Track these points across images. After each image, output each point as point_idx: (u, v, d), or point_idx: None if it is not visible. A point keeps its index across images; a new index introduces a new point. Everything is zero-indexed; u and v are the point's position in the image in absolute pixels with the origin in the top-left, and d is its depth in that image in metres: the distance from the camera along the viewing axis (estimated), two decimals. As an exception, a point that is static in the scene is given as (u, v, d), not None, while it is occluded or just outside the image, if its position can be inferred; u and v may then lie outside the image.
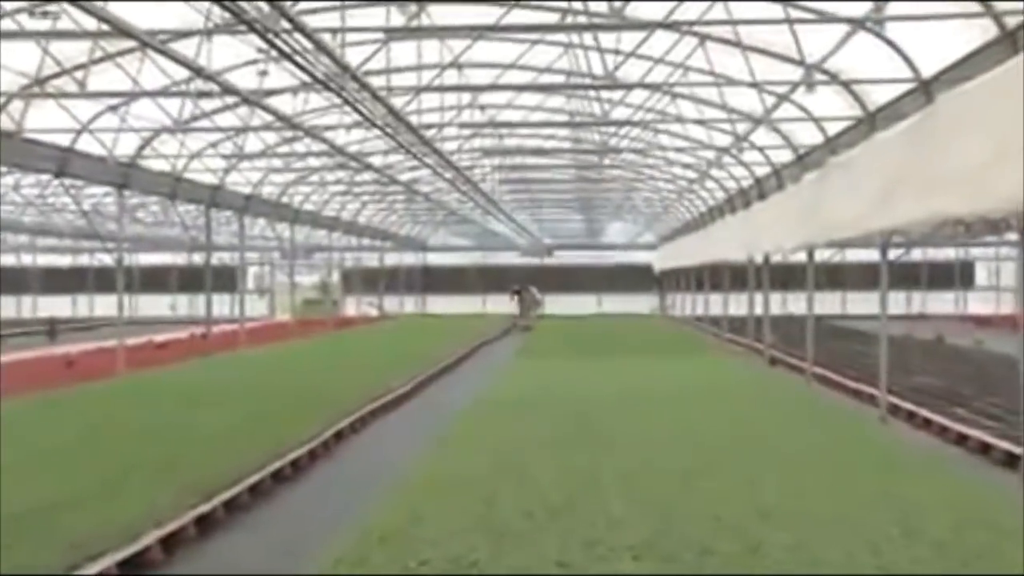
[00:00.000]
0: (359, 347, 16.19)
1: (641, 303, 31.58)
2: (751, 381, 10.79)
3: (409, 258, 33.94)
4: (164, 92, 11.29)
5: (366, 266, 29.80)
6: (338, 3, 9.11)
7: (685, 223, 24.40)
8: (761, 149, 14.21)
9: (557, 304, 29.63)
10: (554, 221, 32.06)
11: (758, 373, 12.10)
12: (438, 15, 9.41)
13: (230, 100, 11.62)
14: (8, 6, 8.26)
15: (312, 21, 7.56)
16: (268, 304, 32.65)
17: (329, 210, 23.70)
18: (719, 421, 7.53)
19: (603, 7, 8.78)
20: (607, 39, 10.36)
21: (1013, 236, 15.41)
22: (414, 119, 11.92)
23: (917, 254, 26.47)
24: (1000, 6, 7.25)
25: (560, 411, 8.15)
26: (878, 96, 10.15)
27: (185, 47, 8.78)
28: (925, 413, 8.47)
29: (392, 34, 9.57)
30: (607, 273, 33.42)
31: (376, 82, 9.79)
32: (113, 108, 11.86)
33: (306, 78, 7.83)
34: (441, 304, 32.31)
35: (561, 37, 11.13)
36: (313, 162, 18.03)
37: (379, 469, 6.58)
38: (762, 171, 15.46)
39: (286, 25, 6.62)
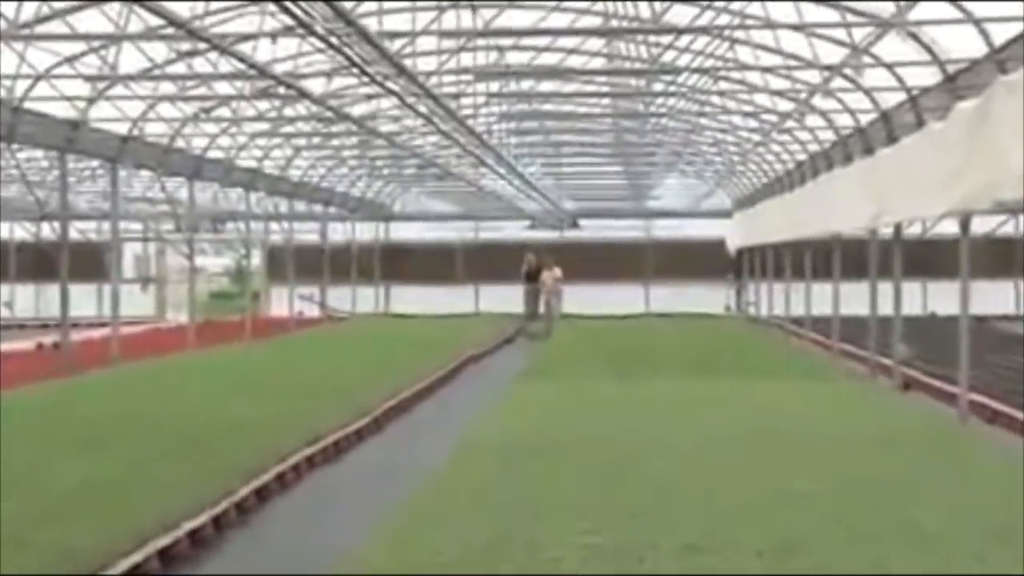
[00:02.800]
0: (282, 367, 16.36)
1: (710, 298, 31.72)
2: (872, 419, 10.82)
3: (366, 231, 34.03)
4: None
5: (302, 243, 29.83)
6: None
7: (775, 179, 24.54)
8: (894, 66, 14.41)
9: (583, 299, 29.69)
10: (580, 176, 32.13)
11: (883, 404, 12.14)
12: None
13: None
14: None
15: None
16: (155, 299, 32.74)
17: (246, 159, 23.81)
18: (818, 504, 7.01)
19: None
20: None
21: None
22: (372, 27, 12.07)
23: None
24: None
25: (587, 479, 7.97)
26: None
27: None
28: None
29: None
30: (658, 253, 33.50)
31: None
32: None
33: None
34: (414, 298, 32.48)
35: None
36: (222, 88, 18.22)
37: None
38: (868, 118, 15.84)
39: None
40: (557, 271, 27.06)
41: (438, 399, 14.72)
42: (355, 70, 12.52)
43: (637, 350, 18.66)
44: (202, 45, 13.80)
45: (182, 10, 11.80)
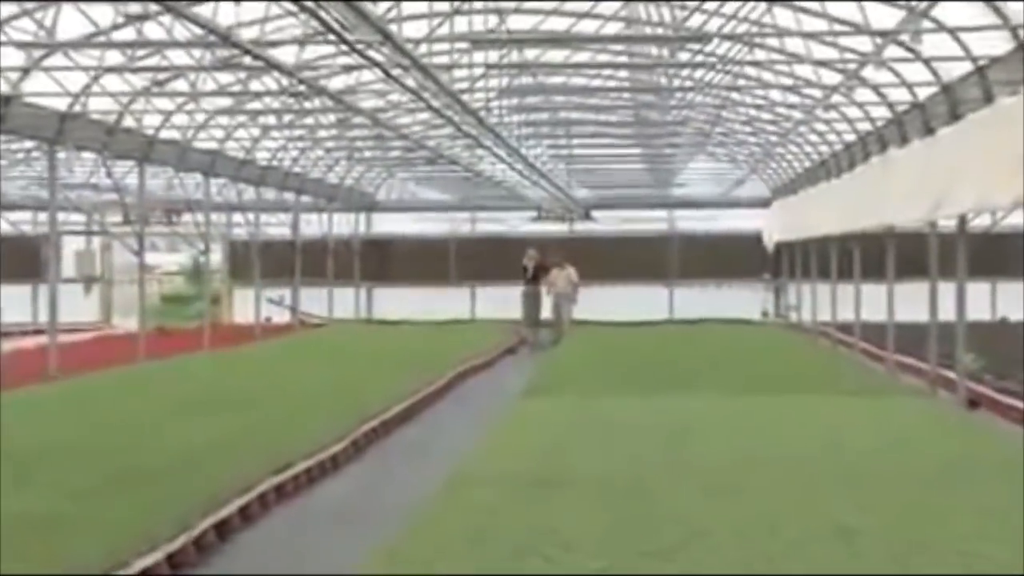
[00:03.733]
0: (246, 382, 16.42)
1: (744, 301, 31.84)
2: (932, 443, 10.83)
3: (345, 224, 34.00)
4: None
5: (271, 237, 29.85)
6: None
7: (819, 163, 24.48)
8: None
9: (597, 302, 29.69)
10: (593, 160, 32.09)
11: (945, 425, 12.12)
12: None
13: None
14: None
15: None
16: (99, 302, 32.81)
17: (206, 140, 23.72)
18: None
19: None
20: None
21: None
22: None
23: None
24: None
25: (601, 513, 8.01)
26: None
27: None
28: None
29: None
30: (684, 249, 33.55)
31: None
32: None
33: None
34: (400, 302, 32.61)
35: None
36: (178, 58, 18.13)
37: None
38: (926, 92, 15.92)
39: None
40: (572, 271, 27.06)
41: (426, 420, 14.74)
42: (332, 37, 12.48)
43: (659, 363, 18.65)
44: (154, 7, 13.76)
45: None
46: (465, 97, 18.38)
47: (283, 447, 10.87)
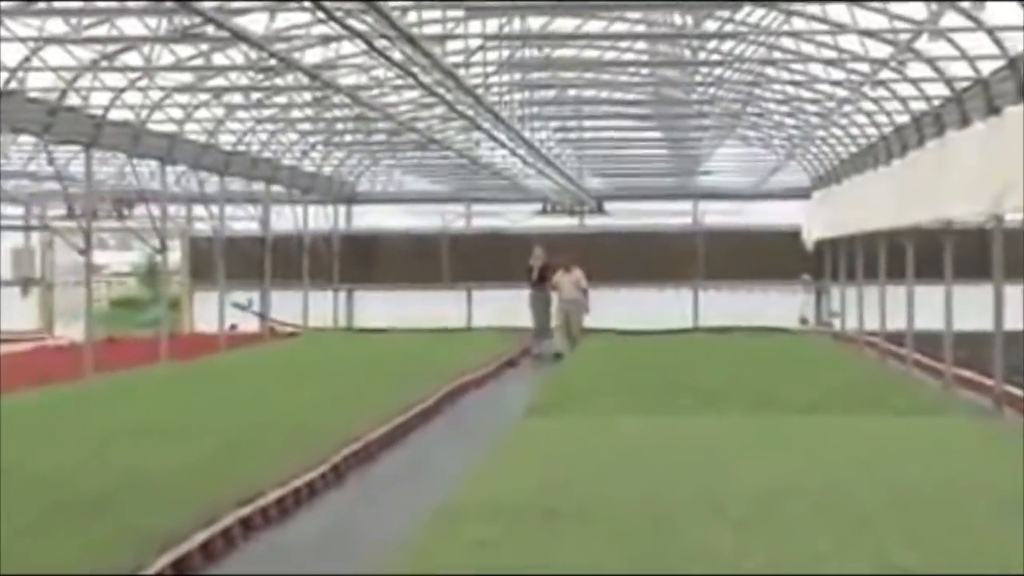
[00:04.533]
0: (209, 400, 16.37)
1: (780, 306, 31.86)
2: (997, 469, 10.76)
3: (323, 217, 34.06)
4: None
5: (237, 233, 29.95)
6: None
7: (867, 147, 24.45)
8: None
9: (612, 308, 29.79)
10: (607, 145, 32.07)
11: (1012, 449, 11.92)
12: None
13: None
14: None
15: None
16: (40, 307, 32.66)
17: (162, 121, 23.66)
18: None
19: None
20: None
21: None
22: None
23: None
24: None
25: (616, 550, 8.04)
26: None
27: None
28: None
29: None
30: (711, 246, 33.53)
31: None
32: None
33: None
34: (385, 307, 32.71)
35: None
36: (130, 27, 17.97)
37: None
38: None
39: None
40: (579, 275, 26.96)
41: (415, 443, 14.77)
42: (307, 3, 12.51)
43: (682, 377, 18.60)
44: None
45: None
46: (460, 73, 18.39)
47: (251, 475, 10.85)
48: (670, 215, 34.33)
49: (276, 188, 30.65)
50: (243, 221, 30.34)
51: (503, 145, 25.00)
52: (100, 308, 25.94)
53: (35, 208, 31.11)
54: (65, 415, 14.71)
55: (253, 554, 9.38)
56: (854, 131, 24.96)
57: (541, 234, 31.57)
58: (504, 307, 30.47)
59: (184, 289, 31.59)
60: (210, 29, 16.08)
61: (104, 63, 19.53)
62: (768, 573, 7.26)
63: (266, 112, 25.85)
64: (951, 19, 15.36)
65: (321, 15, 13.37)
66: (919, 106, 19.95)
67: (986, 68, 16.33)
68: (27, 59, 18.17)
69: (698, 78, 23.63)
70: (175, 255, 29.66)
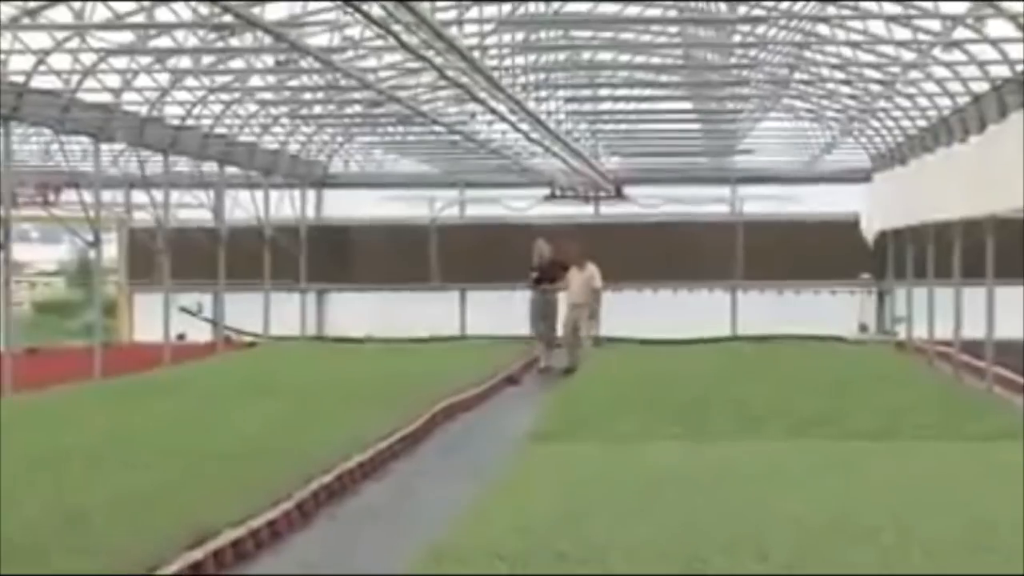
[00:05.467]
0: (152, 424, 16.25)
1: (835, 311, 31.94)
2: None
3: (288, 205, 33.86)
4: None
5: (185, 224, 29.79)
6: None
7: (939, 121, 24.25)
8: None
9: (632, 313, 30.01)
10: (628, 119, 31.97)
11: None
12: None
13: None
14: None
15: None
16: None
17: (95, 90, 23.69)
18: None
19: None
20: None
21: None
22: None
23: None
24: None
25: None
26: None
27: None
28: None
29: None
30: (752, 240, 33.48)
31: None
32: None
33: None
34: (362, 312, 32.78)
35: None
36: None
37: None
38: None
39: None
40: (593, 272, 26.71)
41: (398, 474, 14.65)
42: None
43: (717, 395, 18.59)
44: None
45: None
46: (451, 32, 18.35)
47: (202, 512, 10.79)
48: (703, 202, 34.31)
49: (232, 170, 30.52)
50: (192, 209, 30.16)
51: (503, 119, 24.88)
52: (21, 313, 25.72)
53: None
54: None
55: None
56: (923, 102, 24.75)
57: (548, 225, 31.48)
58: (504, 312, 30.44)
59: (122, 291, 31.56)
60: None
61: (26, 21, 19.32)
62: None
63: (220, 79, 25.78)
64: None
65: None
66: (1000, 71, 19.86)
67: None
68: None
69: (736, 38, 23.61)
70: (111, 250, 29.66)
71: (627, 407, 17.71)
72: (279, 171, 32.62)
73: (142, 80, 24.47)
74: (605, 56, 25.58)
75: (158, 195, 27.98)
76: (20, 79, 21.29)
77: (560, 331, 27.05)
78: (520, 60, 23.62)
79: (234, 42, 21.86)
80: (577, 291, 26.71)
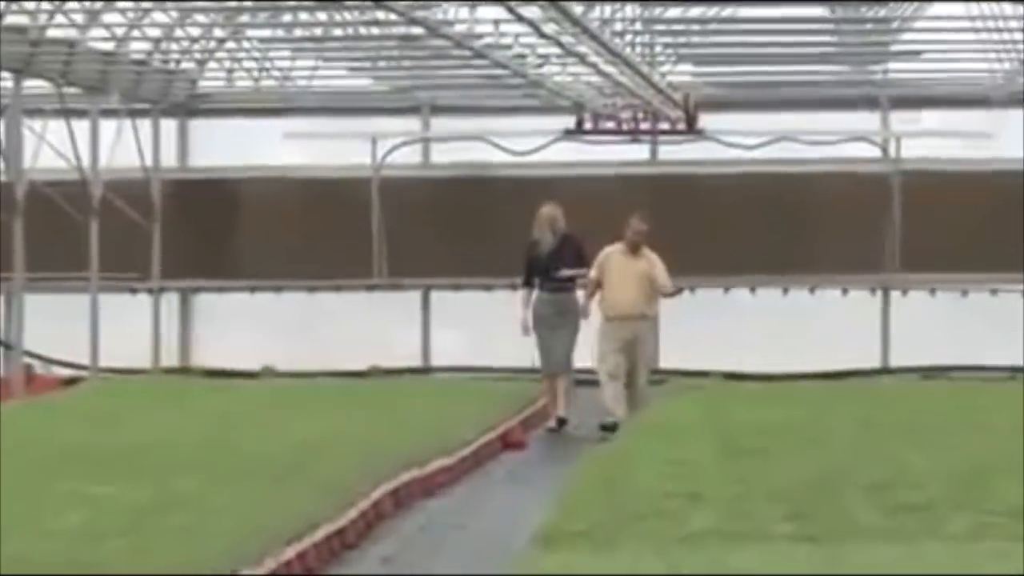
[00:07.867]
0: None
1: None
2: None
3: (132, 149, 34.04)
4: None
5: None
6: None
7: None
8: None
9: (715, 325, 30.81)
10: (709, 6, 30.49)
11: None
12: None
13: None
14: None
15: None
16: None
17: None
18: None
19: None
20: None
21: None
22: None
23: None
24: None
25: None
26: None
27: None
28: None
29: None
30: (917, 205, 32.92)
31: None
32: None
33: None
34: (254, 328, 33.23)
35: None
36: None
37: None
38: None
39: None
40: (654, 262, 25.18)
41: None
42: None
43: (858, 470, 18.18)
44: None
45: None
46: None
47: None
48: (834, 141, 34.15)
49: (34, 84, 30.31)
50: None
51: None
52: None
53: None
54: None
55: None
56: None
57: (570, 179, 31.48)
58: (493, 326, 29.77)
59: None
60: None
61: None
62: None
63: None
64: None
65: None
66: None
67: None
68: None
69: None
70: None
71: (705, 488, 17.28)
72: (113, 87, 33.04)
73: None
74: None
75: None
76: None
77: (595, 361, 25.42)
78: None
79: None
80: (629, 293, 25.28)
